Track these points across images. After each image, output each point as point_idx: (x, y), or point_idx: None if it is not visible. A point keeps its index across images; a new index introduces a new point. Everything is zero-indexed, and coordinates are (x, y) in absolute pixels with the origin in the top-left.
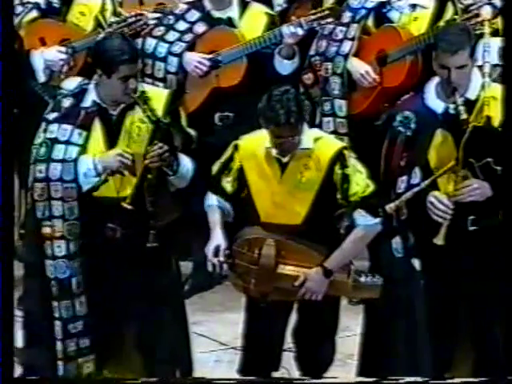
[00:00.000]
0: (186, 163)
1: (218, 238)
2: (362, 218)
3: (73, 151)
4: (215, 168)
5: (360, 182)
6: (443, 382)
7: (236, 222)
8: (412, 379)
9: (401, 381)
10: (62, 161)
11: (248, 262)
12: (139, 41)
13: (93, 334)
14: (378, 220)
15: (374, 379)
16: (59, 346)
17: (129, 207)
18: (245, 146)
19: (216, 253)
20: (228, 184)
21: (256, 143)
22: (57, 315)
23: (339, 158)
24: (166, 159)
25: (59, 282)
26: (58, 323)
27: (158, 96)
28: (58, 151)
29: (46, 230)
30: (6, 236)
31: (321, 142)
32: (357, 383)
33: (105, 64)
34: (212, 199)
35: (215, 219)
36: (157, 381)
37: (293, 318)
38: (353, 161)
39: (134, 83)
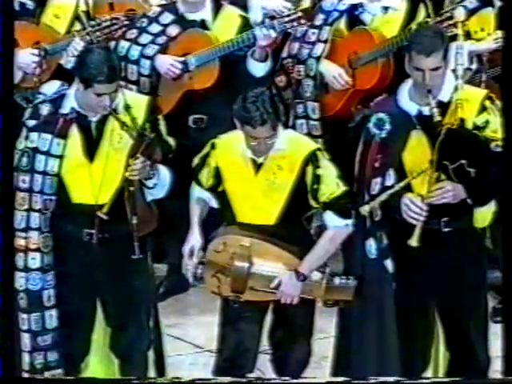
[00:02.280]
0: (165, 174)
1: (194, 238)
2: (331, 219)
3: (54, 164)
4: (195, 162)
5: (330, 183)
6: (415, 381)
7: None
8: (383, 379)
9: (372, 381)
10: (43, 173)
11: (223, 262)
12: (112, 44)
13: (62, 346)
14: (348, 221)
15: (344, 379)
16: (27, 358)
17: (104, 217)
18: (221, 145)
19: (191, 253)
20: (204, 179)
21: (232, 143)
22: (25, 327)
23: (312, 159)
24: (147, 172)
25: (30, 294)
26: (26, 335)
27: (138, 106)
28: (40, 162)
29: (21, 242)
30: (6, 238)
31: (295, 143)
32: (326, 383)
33: (81, 77)
34: (194, 189)
35: (194, 215)
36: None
37: (268, 320)
38: (325, 162)
39: (107, 100)
